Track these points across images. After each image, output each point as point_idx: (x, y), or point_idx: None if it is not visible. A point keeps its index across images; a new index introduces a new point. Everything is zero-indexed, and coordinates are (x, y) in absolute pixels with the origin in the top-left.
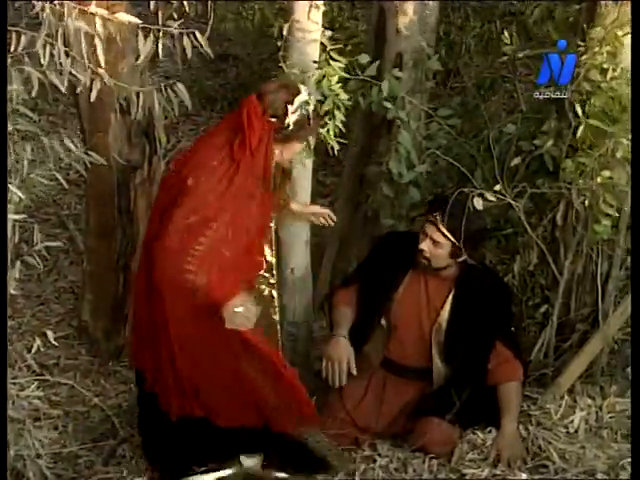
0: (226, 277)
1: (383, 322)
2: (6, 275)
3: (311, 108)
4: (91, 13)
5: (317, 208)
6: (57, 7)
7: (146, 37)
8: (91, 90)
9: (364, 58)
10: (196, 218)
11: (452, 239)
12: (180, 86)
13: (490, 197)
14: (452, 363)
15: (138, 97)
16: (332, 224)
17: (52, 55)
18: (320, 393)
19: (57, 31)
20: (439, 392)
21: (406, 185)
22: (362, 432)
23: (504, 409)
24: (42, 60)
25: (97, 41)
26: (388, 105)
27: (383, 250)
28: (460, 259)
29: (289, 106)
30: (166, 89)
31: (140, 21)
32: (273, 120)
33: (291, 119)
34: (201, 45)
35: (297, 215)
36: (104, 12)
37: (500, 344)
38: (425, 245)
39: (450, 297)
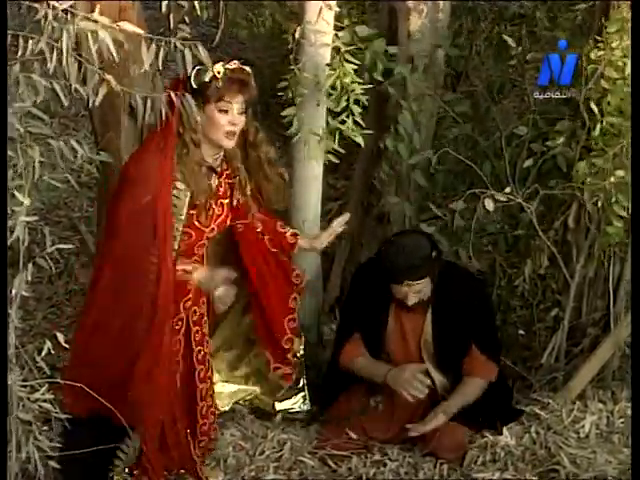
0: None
1: (383, 356)
2: (6, 279)
3: (217, 69)
4: (94, 20)
5: (324, 238)
6: (60, 14)
7: (149, 47)
8: (97, 94)
9: (362, 30)
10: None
11: (428, 278)
12: (188, 97)
13: (501, 197)
14: (448, 370)
15: (146, 101)
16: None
17: (59, 60)
18: (328, 399)
19: (60, 38)
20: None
21: (411, 168)
22: (371, 440)
23: (452, 393)
24: (49, 64)
25: (103, 46)
26: (379, 78)
27: (361, 289)
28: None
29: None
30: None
31: (143, 32)
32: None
33: (192, 74)
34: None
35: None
36: (106, 20)
37: (475, 347)
38: (414, 299)
39: (429, 313)
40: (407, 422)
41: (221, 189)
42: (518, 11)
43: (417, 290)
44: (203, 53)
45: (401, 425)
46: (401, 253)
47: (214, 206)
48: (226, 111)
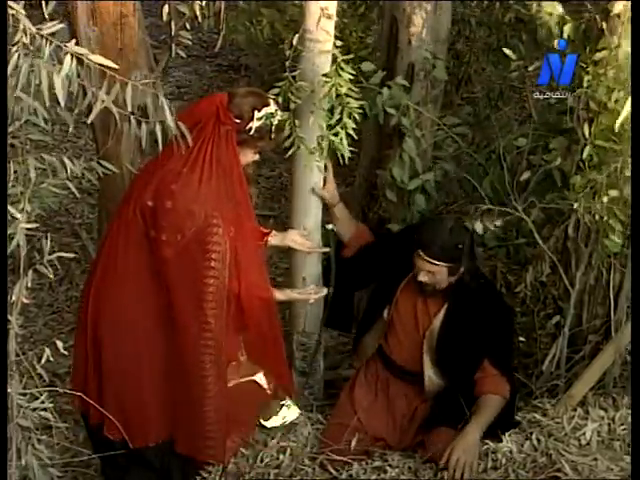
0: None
1: (385, 314)
2: (6, 285)
3: (275, 122)
4: (73, 54)
5: (296, 238)
6: (37, 37)
7: (111, 86)
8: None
9: (367, 66)
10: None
11: (444, 264)
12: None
13: (490, 226)
14: (445, 372)
15: (140, 123)
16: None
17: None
18: (331, 401)
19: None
20: (448, 403)
21: (412, 192)
22: (373, 441)
23: (475, 414)
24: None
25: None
26: (391, 111)
27: (408, 236)
28: (460, 271)
29: (256, 112)
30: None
31: (117, 66)
32: (237, 120)
33: (254, 124)
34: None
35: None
36: (83, 50)
37: (488, 362)
38: (423, 277)
39: (443, 309)
40: (406, 426)
41: None
42: (516, 16)
43: (429, 270)
44: (167, 105)
45: (401, 428)
46: (434, 224)
47: None
48: (258, 152)
